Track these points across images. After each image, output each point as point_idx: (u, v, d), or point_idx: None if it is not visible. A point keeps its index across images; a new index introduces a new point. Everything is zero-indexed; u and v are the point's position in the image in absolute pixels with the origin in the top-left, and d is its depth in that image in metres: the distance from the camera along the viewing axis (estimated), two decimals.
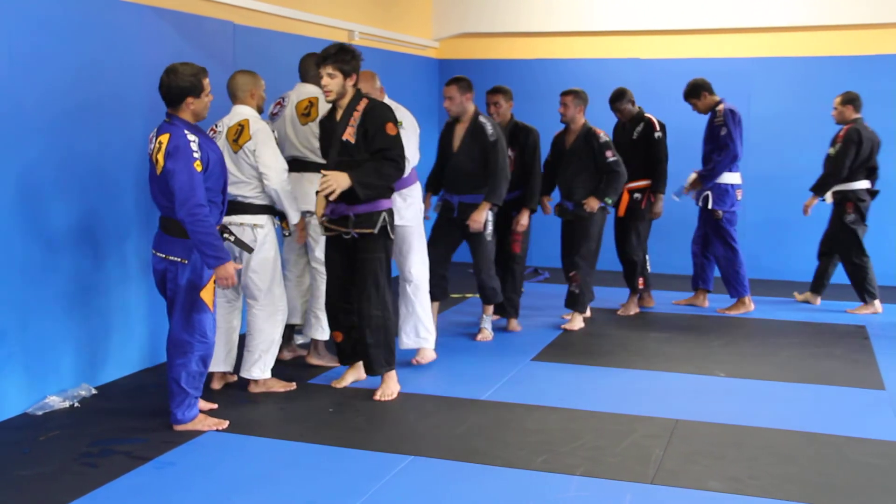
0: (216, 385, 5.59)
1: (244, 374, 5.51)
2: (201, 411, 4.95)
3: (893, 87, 9.05)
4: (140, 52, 5.72)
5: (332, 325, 5.60)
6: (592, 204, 7.03)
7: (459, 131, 6.54)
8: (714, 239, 7.89)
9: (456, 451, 4.55)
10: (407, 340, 6.13)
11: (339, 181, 5.10)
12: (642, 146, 7.61)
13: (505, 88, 7.10)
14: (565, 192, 7.22)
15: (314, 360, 6.12)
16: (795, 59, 9.40)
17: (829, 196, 8.03)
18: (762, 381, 5.89)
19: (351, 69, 5.16)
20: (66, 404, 5.16)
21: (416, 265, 6.10)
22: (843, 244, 8.04)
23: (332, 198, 5.14)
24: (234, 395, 5.44)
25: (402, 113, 5.89)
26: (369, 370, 5.49)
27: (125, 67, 5.64)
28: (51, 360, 5.23)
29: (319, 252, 5.86)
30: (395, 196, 5.75)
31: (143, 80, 5.65)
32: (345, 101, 5.22)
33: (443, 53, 10.68)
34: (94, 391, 5.40)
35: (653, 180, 7.64)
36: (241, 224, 5.34)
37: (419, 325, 6.11)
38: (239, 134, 5.30)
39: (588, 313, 7.61)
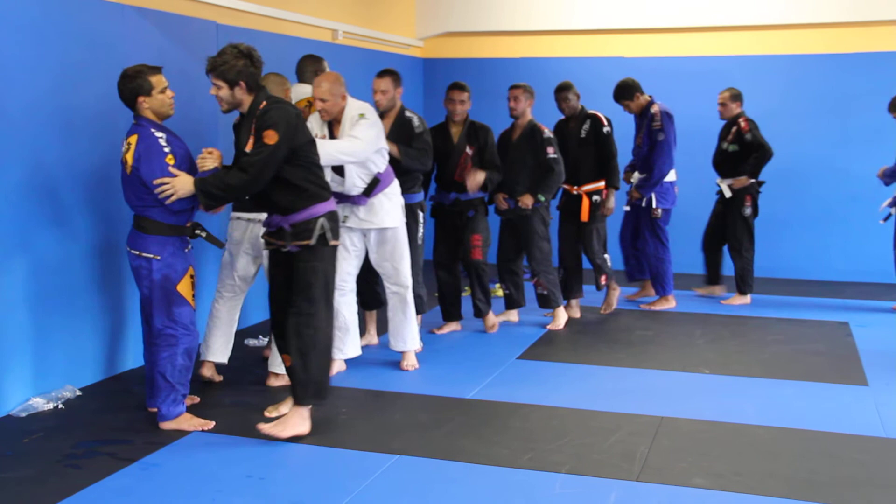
0: (206, 372, 5.68)
1: (271, 369, 5.64)
2: (186, 408, 4.96)
3: (876, 84, 9.09)
4: (123, 52, 5.68)
5: (279, 346, 4.98)
6: (526, 201, 6.96)
7: (385, 126, 6.06)
8: (648, 236, 7.92)
9: (441, 450, 4.55)
10: (399, 344, 6.06)
11: (179, 185, 4.58)
12: (591, 144, 7.39)
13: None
14: (507, 189, 7.07)
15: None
16: (780, 57, 9.45)
17: (726, 189, 8.12)
18: (747, 377, 5.91)
19: (235, 77, 4.55)
20: (51, 406, 5.13)
21: (406, 270, 5.96)
22: (737, 236, 8.17)
23: (167, 202, 4.59)
24: (219, 396, 5.42)
25: (365, 108, 5.61)
26: (294, 399, 4.81)
27: (108, 68, 5.60)
28: (34, 362, 5.20)
29: None
30: (381, 197, 5.71)
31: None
32: (245, 110, 4.66)
33: (427, 52, 10.68)
34: (78, 392, 5.38)
35: (606, 176, 7.43)
36: (260, 220, 5.48)
37: (410, 329, 6.04)
38: None
39: (578, 314, 7.64)
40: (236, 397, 5.40)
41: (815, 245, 9.35)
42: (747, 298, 8.26)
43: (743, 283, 8.24)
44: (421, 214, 6.45)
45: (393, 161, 5.94)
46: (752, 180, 8.06)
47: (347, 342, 5.85)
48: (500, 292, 8.45)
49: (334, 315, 5.00)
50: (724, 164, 8.17)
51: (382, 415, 5.17)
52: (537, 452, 4.52)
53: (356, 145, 5.40)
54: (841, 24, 9.26)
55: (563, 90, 7.42)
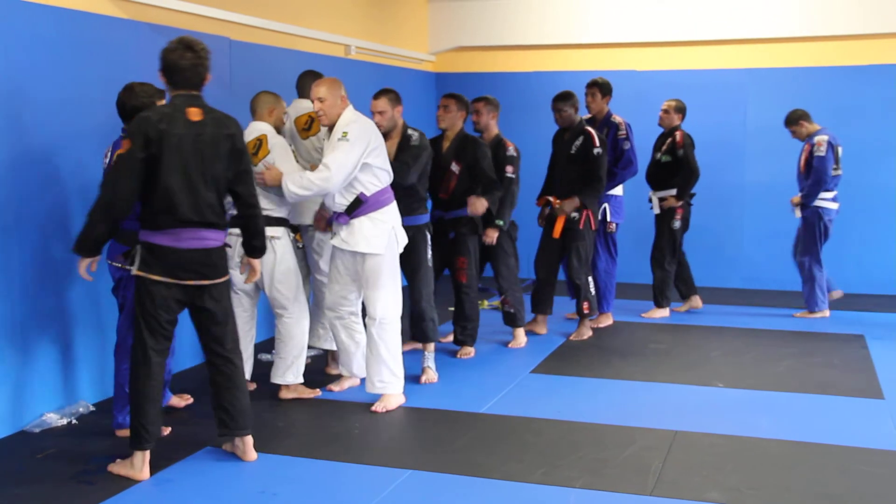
0: None
1: (278, 380, 5.64)
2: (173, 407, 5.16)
3: (888, 96, 9.08)
4: (136, 68, 5.70)
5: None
6: (491, 236, 6.67)
7: (390, 147, 5.86)
8: (601, 251, 7.71)
9: (455, 465, 4.54)
10: (370, 386, 5.54)
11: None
12: (580, 162, 7.07)
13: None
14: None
15: (334, 370, 6.25)
16: (791, 69, 9.43)
17: (656, 204, 8.06)
18: (761, 391, 5.88)
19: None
20: (64, 421, 5.14)
21: (383, 301, 5.45)
22: (661, 248, 8.12)
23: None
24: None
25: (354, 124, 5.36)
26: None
27: (122, 84, 5.62)
28: (48, 377, 5.23)
29: (324, 264, 5.97)
30: (364, 219, 5.36)
31: None
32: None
33: (439, 67, 10.71)
34: (91, 408, 5.39)
35: (584, 193, 7.05)
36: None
37: (383, 369, 5.48)
38: (258, 148, 5.44)
39: (544, 330, 7.49)
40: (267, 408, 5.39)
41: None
42: (666, 311, 8.22)
43: (661, 296, 8.17)
44: (429, 236, 6.13)
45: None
46: (681, 202, 7.98)
47: (351, 363, 5.76)
48: (488, 304, 8.43)
49: (334, 336, 5.60)
50: (657, 174, 8.09)
51: (395, 429, 5.17)
52: (551, 467, 4.50)
53: (322, 180, 5.17)
54: (852, 36, 9.23)
55: (557, 101, 7.18)
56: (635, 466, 4.51)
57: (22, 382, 5.06)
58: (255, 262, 4.81)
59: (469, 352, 6.75)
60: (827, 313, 8.24)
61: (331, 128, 5.38)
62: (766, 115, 9.21)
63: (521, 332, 7.13)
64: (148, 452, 4.40)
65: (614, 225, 7.71)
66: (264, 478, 4.39)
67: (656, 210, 8.07)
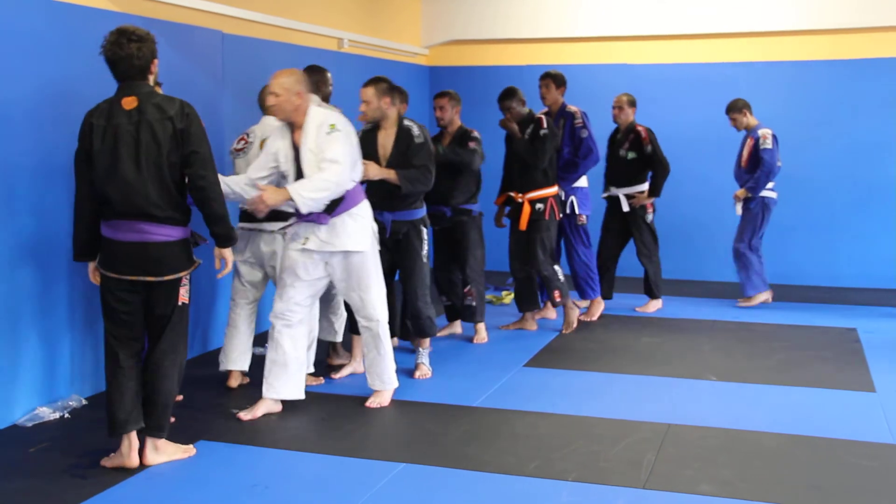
0: (233, 383, 5.78)
1: None
2: None
3: (884, 90, 9.09)
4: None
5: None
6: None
7: (383, 139, 5.87)
8: (576, 243, 7.71)
9: (448, 458, 4.54)
10: (378, 383, 5.45)
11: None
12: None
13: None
14: (440, 198, 6.57)
15: (336, 361, 6.30)
16: (786, 63, 9.44)
17: (624, 202, 7.94)
18: (753, 384, 5.90)
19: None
20: (57, 415, 5.14)
21: (376, 301, 5.31)
22: (644, 243, 8.04)
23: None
24: (224, 404, 5.42)
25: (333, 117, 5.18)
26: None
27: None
28: (41, 371, 5.22)
29: None
30: (345, 216, 5.13)
31: None
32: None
33: (433, 60, 10.70)
34: (84, 402, 5.39)
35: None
36: (272, 231, 5.61)
37: (389, 366, 5.43)
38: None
39: (535, 326, 7.42)
40: (242, 405, 5.38)
41: (822, 251, 9.33)
42: (660, 302, 8.25)
43: (656, 288, 8.19)
44: (424, 231, 6.00)
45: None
46: (655, 198, 7.95)
47: (283, 380, 5.22)
48: (507, 300, 8.47)
49: (274, 347, 5.20)
50: (622, 172, 7.95)
51: (389, 423, 5.17)
52: (544, 460, 4.51)
53: (336, 175, 4.92)
54: (847, 29, 9.23)
55: (504, 99, 7.11)
56: (628, 459, 4.52)
57: (14, 376, 5.05)
58: (226, 252, 4.50)
59: (453, 326, 7.11)
60: (769, 297, 8.34)
61: (291, 124, 5.10)
62: (760, 109, 9.17)
63: (482, 326, 7.03)
64: (135, 440, 4.39)
65: (584, 217, 7.66)
66: (256, 471, 4.39)
67: (625, 208, 7.94)
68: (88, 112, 4.33)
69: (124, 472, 4.33)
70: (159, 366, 4.42)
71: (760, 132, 8.11)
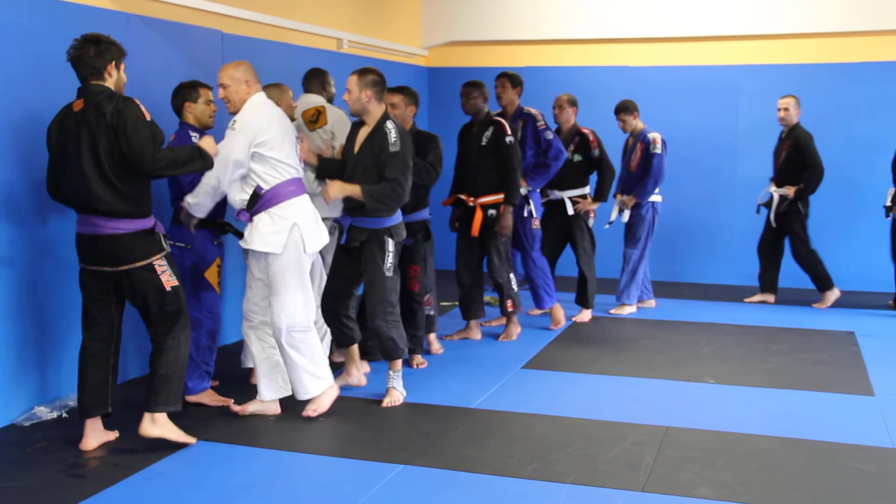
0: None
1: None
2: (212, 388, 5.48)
3: (882, 93, 9.10)
4: (128, 62, 5.67)
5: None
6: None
7: (361, 136, 5.45)
8: (531, 250, 7.40)
9: (446, 460, 4.54)
10: (296, 394, 5.21)
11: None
12: (492, 154, 6.72)
13: (405, 88, 6.22)
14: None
15: (338, 358, 6.29)
16: (784, 66, 9.44)
17: (569, 205, 7.71)
18: (752, 387, 5.89)
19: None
20: (54, 415, 5.13)
21: (288, 309, 5.03)
22: (587, 250, 7.82)
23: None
24: (225, 406, 5.41)
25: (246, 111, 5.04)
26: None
27: None
28: (38, 371, 5.21)
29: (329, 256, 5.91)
30: (264, 215, 4.98)
31: (132, 90, 5.62)
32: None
33: (432, 62, 10.69)
34: None
35: (505, 191, 6.72)
36: None
37: (303, 376, 5.13)
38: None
39: (479, 335, 7.15)
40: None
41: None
42: (589, 313, 7.94)
43: (592, 297, 7.88)
44: (389, 241, 5.39)
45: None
46: (601, 202, 7.83)
47: (263, 383, 5.23)
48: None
49: (244, 349, 5.41)
50: (566, 175, 7.57)
51: (386, 425, 5.16)
52: (542, 462, 4.50)
53: (206, 177, 4.93)
54: (847, 33, 9.24)
55: (467, 85, 6.84)
56: (627, 462, 4.51)
57: (11, 376, 5.04)
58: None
59: (422, 361, 6.30)
60: (635, 308, 8.22)
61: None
62: (758, 112, 9.22)
63: (433, 336, 6.69)
64: (93, 426, 4.65)
65: (538, 221, 7.35)
66: (254, 472, 4.39)
67: (570, 211, 7.70)
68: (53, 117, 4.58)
69: (122, 472, 4.32)
70: (161, 346, 4.64)
71: (651, 136, 7.91)
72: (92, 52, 4.47)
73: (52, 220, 5.26)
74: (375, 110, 5.36)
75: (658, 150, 7.88)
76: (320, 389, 5.18)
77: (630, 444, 4.77)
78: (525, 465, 4.46)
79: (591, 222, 7.85)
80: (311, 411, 5.17)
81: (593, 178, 7.84)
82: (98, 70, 4.50)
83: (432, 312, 6.60)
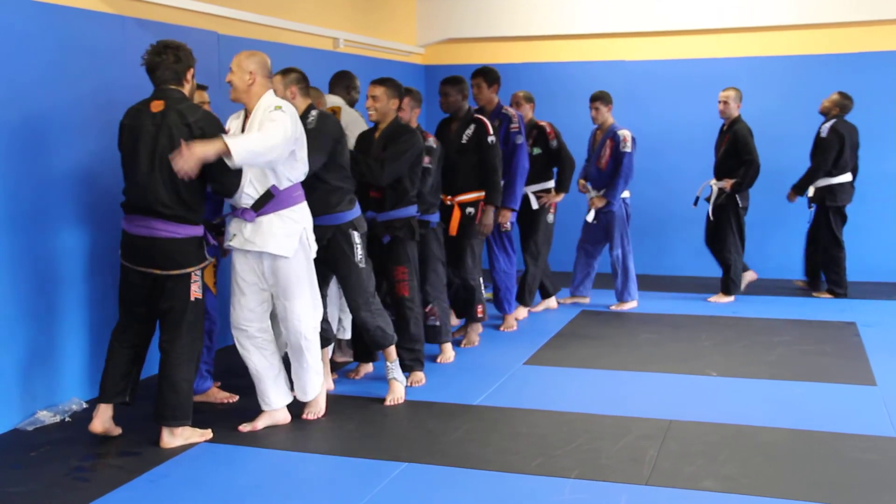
0: None
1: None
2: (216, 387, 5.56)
3: (883, 84, 9.09)
4: (124, 64, 5.69)
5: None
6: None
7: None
8: (499, 252, 7.21)
9: (450, 457, 4.54)
10: (301, 394, 5.18)
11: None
12: (472, 152, 6.59)
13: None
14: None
15: (339, 358, 6.32)
16: (783, 58, 9.43)
17: (533, 199, 7.58)
18: (754, 379, 5.90)
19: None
20: (57, 419, 5.13)
21: (301, 313, 4.95)
22: (537, 244, 7.65)
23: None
24: (228, 407, 5.41)
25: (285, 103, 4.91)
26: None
27: (109, 80, 5.62)
28: (41, 375, 5.21)
29: None
30: (273, 216, 4.80)
31: (128, 92, 5.62)
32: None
33: (428, 59, 10.68)
34: (85, 405, 5.37)
35: (486, 190, 6.61)
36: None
37: (312, 377, 5.12)
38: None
39: (478, 337, 6.96)
40: (246, 408, 5.38)
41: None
42: (526, 311, 7.79)
43: (530, 294, 7.73)
44: (355, 234, 5.31)
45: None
46: (564, 194, 7.73)
47: (271, 392, 5.06)
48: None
49: (246, 362, 5.08)
50: (529, 169, 7.26)
51: (390, 423, 5.16)
52: (546, 458, 4.50)
53: (273, 134, 4.60)
54: (844, 23, 9.23)
55: (445, 83, 6.70)
56: (630, 456, 4.52)
57: (14, 380, 5.04)
58: None
59: (420, 378, 5.86)
60: (636, 303, 8.17)
61: (246, 112, 4.92)
62: (758, 105, 9.19)
63: (448, 346, 6.42)
64: (105, 410, 4.80)
65: (509, 224, 7.09)
66: (259, 473, 4.39)
67: (535, 205, 7.55)
68: (126, 113, 4.71)
69: (126, 475, 4.32)
70: (169, 356, 4.69)
71: (622, 133, 7.79)
72: (172, 59, 4.62)
73: (55, 226, 5.25)
74: (301, 104, 5.21)
75: (628, 149, 7.77)
76: (320, 388, 5.21)
77: (634, 438, 4.77)
78: (529, 461, 4.46)
79: (550, 218, 7.68)
80: (311, 415, 5.17)
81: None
82: (179, 76, 4.66)
83: (437, 323, 6.27)
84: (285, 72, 5.32)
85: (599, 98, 7.93)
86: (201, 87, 5.40)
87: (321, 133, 5.11)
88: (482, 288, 6.87)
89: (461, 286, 6.77)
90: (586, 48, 10.08)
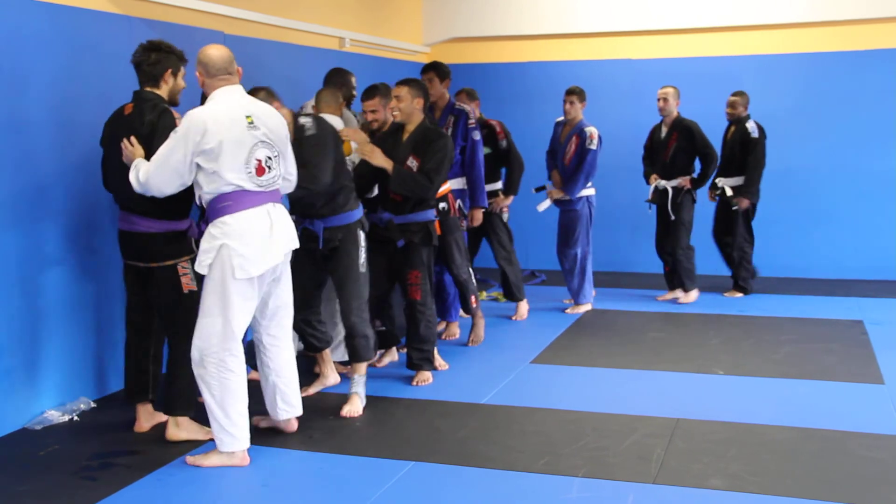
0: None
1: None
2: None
3: (888, 81, 9.06)
4: (131, 64, 5.69)
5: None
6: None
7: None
8: (456, 256, 6.63)
9: (457, 456, 4.54)
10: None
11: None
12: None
13: (410, 79, 5.86)
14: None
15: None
16: (791, 55, 9.40)
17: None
18: (761, 377, 5.89)
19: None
20: (66, 418, 5.14)
21: (199, 333, 4.44)
22: (503, 245, 7.45)
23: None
24: None
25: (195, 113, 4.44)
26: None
27: (116, 80, 5.62)
28: (49, 374, 5.22)
29: None
30: (207, 229, 4.44)
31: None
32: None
33: (434, 58, 10.66)
34: (93, 404, 5.39)
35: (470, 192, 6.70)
36: None
37: (213, 423, 4.50)
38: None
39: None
40: (249, 408, 5.37)
41: (826, 243, 9.31)
42: (525, 304, 7.72)
43: (518, 291, 7.60)
44: (361, 235, 5.34)
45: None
46: (513, 196, 7.53)
47: (287, 401, 4.86)
48: (486, 295, 8.36)
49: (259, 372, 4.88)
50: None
51: (397, 422, 5.16)
52: (553, 456, 4.50)
53: (145, 175, 4.39)
54: (853, 21, 9.20)
55: (425, 72, 6.71)
56: (638, 454, 4.51)
57: (23, 380, 5.05)
58: None
59: (427, 378, 5.83)
60: (590, 306, 8.04)
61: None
62: (765, 103, 9.17)
63: (438, 357, 6.17)
64: (144, 411, 4.98)
65: (465, 222, 6.89)
66: (267, 471, 4.39)
67: (486, 206, 7.23)
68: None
69: (134, 474, 4.34)
70: (172, 349, 4.80)
71: (588, 131, 7.65)
72: (152, 59, 4.73)
73: (57, 227, 5.26)
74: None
75: (593, 147, 7.63)
76: (230, 447, 4.42)
77: (641, 436, 4.77)
78: (536, 460, 4.46)
79: (505, 217, 7.54)
80: (190, 460, 4.55)
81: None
82: (154, 77, 4.75)
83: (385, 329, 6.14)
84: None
85: (576, 93, 7.76)
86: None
87: (324, 139, 5.11)
88: (473, 279, 6.73)
89: (454, 281, 6.65)
90: (593, 46, 10.07)
